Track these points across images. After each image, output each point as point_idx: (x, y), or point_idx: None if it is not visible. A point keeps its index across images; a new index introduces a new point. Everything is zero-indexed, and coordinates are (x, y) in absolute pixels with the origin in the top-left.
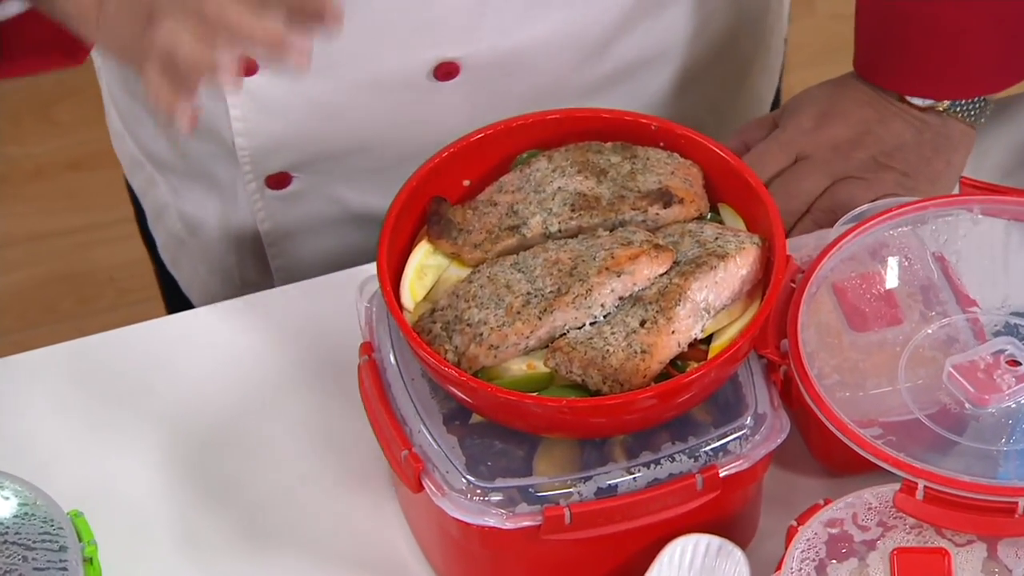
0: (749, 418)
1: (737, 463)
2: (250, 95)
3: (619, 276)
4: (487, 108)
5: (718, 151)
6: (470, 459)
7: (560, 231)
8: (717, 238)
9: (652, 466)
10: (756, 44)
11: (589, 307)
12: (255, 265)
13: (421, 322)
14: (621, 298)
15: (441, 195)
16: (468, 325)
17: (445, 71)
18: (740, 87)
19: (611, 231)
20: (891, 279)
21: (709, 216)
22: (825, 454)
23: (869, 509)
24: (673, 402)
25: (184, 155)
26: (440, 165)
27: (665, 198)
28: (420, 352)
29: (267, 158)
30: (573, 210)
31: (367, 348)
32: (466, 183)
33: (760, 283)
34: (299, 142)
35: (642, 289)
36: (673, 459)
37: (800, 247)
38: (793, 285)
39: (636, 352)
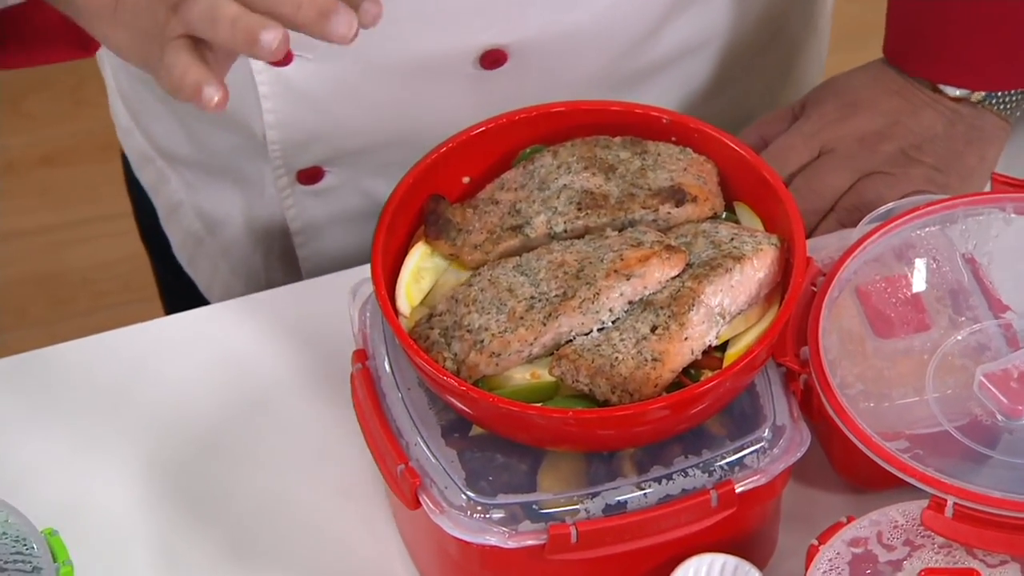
0: (767, 430)
1: (754, 478)
2: (284, 85)
3: (628, 279)
4: (532, 98)
5: (734, 146)
6: (470, 474)
7: (565, 231)
8: (733, 239)
9: (664, 481)
10: (805, 26)
11: (597, 312)
12: (281, 262)
13: (418, 328)
14: (631, 302)
15: (439, 193)
16: (468, 331)
17: (492, 59)
18: (789, 73)
19: (620, 231)
20: (918, 282)
21: (724, 215)
22: (848, 468)
23: (895, 527)
24: (686, 413)
25: (206, 150)
26: (438, 161)
27: (677, 196)
28: (417, 360)
29: (300, 152)
30: (579, 209)
31: (360, 356)
32: (466, 180)
33: (779, 287)
34: (334, 135)
35: (653, 293)
36: (686, 474)
37: (821, 248)
38: (814, 288)
39: (647, 360)
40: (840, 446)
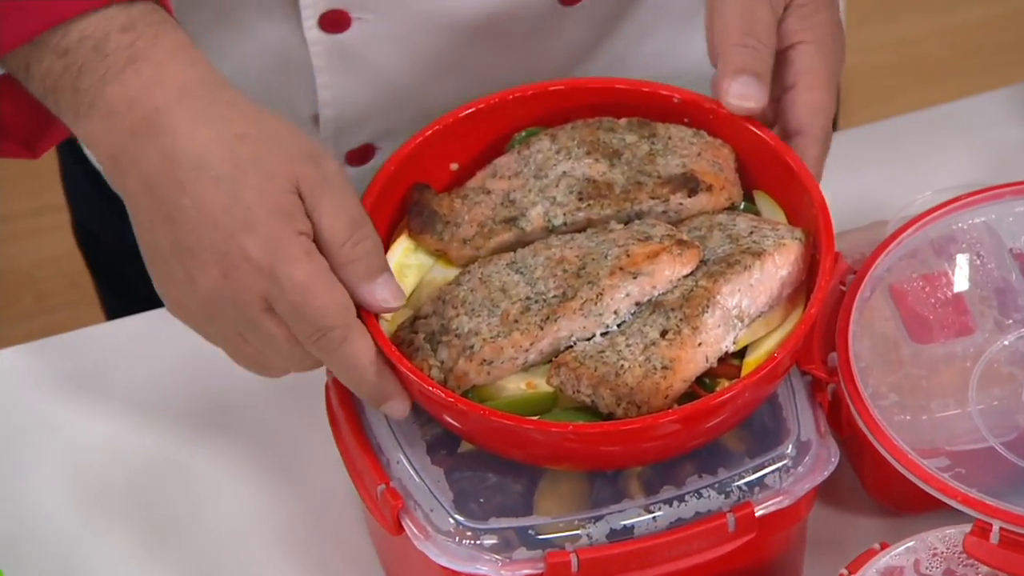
0: (790, 446)
1: (776, 500)
2: (341, 54)
3: (635, 278)
4: (607, 41)
5: (753, 129)
6: (459, 495)
7: (565, 224)
8: (752, 232)
9: (675, 503)
10: None
11: (600, 314)
12: None
13: (400, 332)
14: (638, 303)
15: (424, 182)
16: (456, 336)
17: None
18: None
19: (626, 224)
20: (960, 280)
21: (743, 206)
22: (881, 489)
23: (934, 555)
24: (699, 428)
25: None
26: (423, 146)
27: (690, 185)
28: (399, 368)
29: (354, 129)
30: (581, 199)
31: None
32: (454, 167)
33: (803, 285)
34: (393, 105)
35: (663, 293)
36: (700, 495)
37: (851, 243)
38: (843, 288)
39: (656, 368)
40: (872, 464)
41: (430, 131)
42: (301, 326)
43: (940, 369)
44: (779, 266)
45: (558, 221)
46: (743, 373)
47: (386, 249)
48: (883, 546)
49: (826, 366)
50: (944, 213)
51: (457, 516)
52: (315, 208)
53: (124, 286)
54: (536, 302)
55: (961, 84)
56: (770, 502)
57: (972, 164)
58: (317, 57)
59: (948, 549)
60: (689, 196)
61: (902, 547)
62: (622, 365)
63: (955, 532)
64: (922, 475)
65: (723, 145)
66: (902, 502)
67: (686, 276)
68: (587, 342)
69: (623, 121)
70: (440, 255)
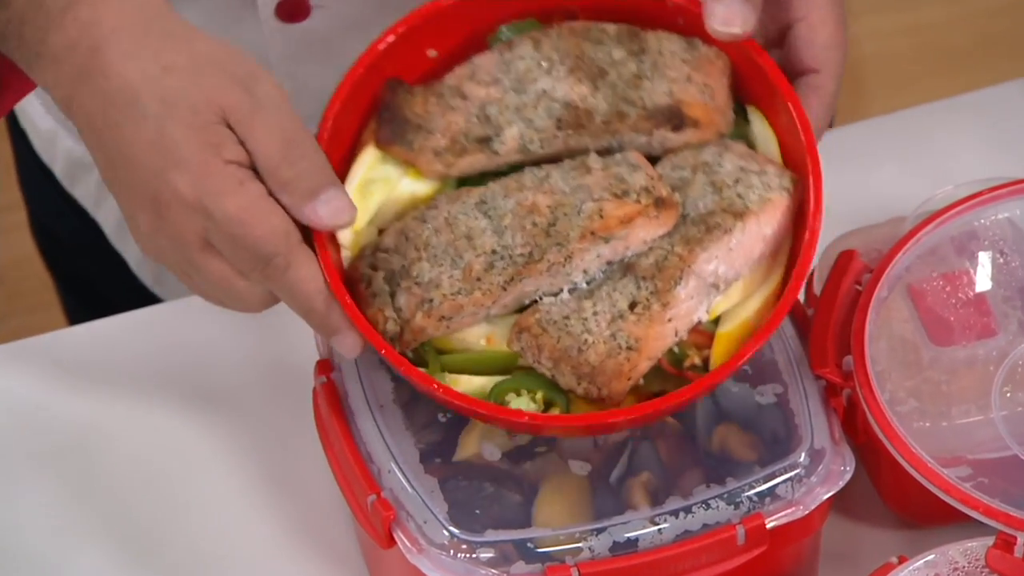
0: (803, 455)
1: (788, 511)
2: (300, 44)
3: (608, 242)
4: None
5: (751, 54)
6: (454, 506)
7: (542, 149)
8: (738, 181)
9: (682, 515)
10: None
11: (568, 274)
12: None
13: (359, 264)
14: (610, 262)
15: (398, 77)
16: (416, 284)
17: None
18: None
19: (605, 154)
20: (982, 280)
21: (732, 133)
22: (899, 500)
23: (955, 569)
24: (653, 420)
25: None
26: (399, 43)
27: (675, 120)
28: (351, 313)
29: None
30: (559, 127)
31: (324, 367)
32: (432, 54)
33: (788, 238)
34: None
35: (636, 255)
36: (708, 506)
37: (868, 240)
38: (859, 288)
39: (620, 347)
40: (890, 473)
41: (404, 27)
42: (242, 259)
43: (961, 373)
44: (763, 225)
45: (534, 147)
46: (715, 345)
47: (353, 157)
48: (901, 560)
49: (841, 370)
50: (965, 209)
51: (452, 528)
52: (247, 135)
53: (84, 287)
54: (502, 258)
55: (982, 72)
56: (782, 513)
57: (995, 157)
58: (275, 47)
59: (970, 563)
60: (674, 131)
61: (921, 561)
62: (586, 340)
63: (977, 545)
64: (942, 485)
65: (718, 56)
66: (921, 513)
67: (663, 236)
68: (553, 298)
69: (612, 30)
70: (409, 166)
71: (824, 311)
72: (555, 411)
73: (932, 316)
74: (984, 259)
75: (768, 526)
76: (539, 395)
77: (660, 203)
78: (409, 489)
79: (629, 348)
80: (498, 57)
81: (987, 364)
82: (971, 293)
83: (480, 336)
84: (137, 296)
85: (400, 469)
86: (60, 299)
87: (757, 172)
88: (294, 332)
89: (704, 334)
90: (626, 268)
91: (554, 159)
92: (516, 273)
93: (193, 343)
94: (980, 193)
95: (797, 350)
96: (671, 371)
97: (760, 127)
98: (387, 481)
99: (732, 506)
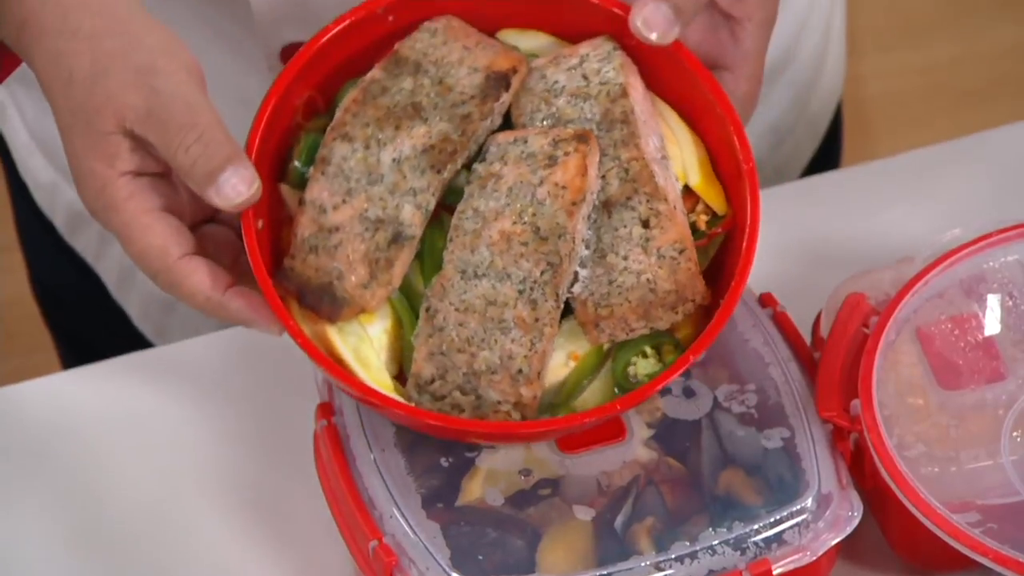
0: (810, 500)
1: (795, 557)
2: None
3: (585, 200)
4: None
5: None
6: (456, 552)
7: (446, 199)
8: (584, 77)
9: (687, 561)
10: (824, 35)
11: (579, 253)
12: None
13: (423, 401)
14: (589, 217)
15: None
16: (494, 373)
17: None
18: (814, 85)
19: (478, 154)
20: (991, 323)
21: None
22: (908, 545)
23: None
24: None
25: None
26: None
27: (499, 83)
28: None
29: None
30: (436, 171)
31: (325, 410)
32: (259, 225)
33: (674, 91)
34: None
35: (598, 193)
36: (714, 551)
37: (875, 283)
38: (866, 331)
39: (676, 258)
40: (898, 519)
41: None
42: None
43: (970, 417)
44: (637, 85)
45: (432, 205)
46: (705, 198)
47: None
48: None
49: (848, 414)
50: (974, 251)
51: (455, 574)
52: (146, 133)
53: (84, 345)
54: (532, 290)
55: (991, 112)
56: (789, 559)
57: (1003, 198)
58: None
59: None
60: (507, 90)
61: None
62: (647, 279)
63: None
64: (951, 531)
65: (450, 18)
66: (930, 560)
67: (601, 159)
68: (579, 281)
69: (377, 70)
70: (361, 316)
71: (831, 354)
72: (671, 357)
73: (940, 360)
74: (993, 302)
75: (775, 572)
76: (664, 346)
77: (579, 138)
78: (411, 535)
79: (680, 252)
80: (325, 178)
81: (996, 408)
82: (980, 336)
83: (561, 363)
84: (137, 350)
85: (402, 514)
86: (58, 354)
87: (583, 58)
88: (295, 375)
89: (691, 199)
90: (606, 207)
91: (453, 195)
92: (555, 289)
93: (191, 386)
94: (989, 235)
95: (804, 394)
96: (706, 242)
97: (680, 132)
98: (389, 526)
99: (738, 552)
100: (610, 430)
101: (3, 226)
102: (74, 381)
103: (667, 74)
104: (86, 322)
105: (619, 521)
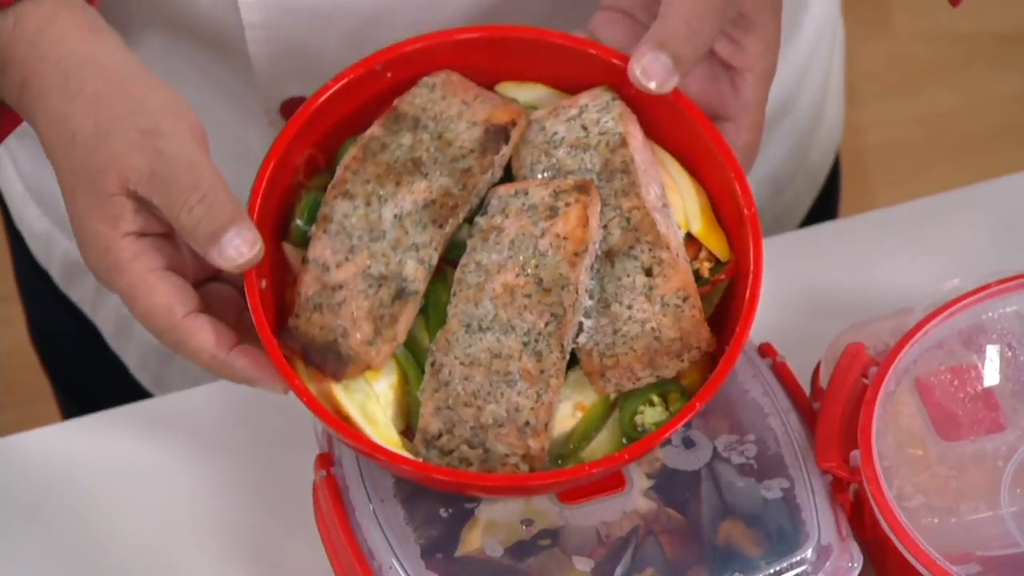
0: (810, 551)
1: None
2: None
3: (587, 250)
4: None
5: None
6: None
7: (448, 253)
8: (584, 128)
9: None
10: (822, 86)
11: (583, 304)
12: None
13: (432, 456)
14: (592, 268)
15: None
16: (500, 426)
17: None
18: (813, 133)
19: (481, 208)
20: (991, 374)
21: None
22: None
23: None
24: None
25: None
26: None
27: (498, 136)
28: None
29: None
30: (438, 225)
31: (324, 461)
32: (263, 285)
33: (667, 133)
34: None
35: (600, 243)
36: None
37: (874, 333)
38: (865, 381)
39: (680, 305)
40: (898, 570)
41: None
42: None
43: (970, 468)
44: (636, 133)
45: (435, 260)
46: (707, 245)
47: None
48: None
49: (848, 465)
50: (973, 302)
51: None
52: (149, 195)
53: (82, 393)
54: (537, 342)
55: (991, 161)
56: None
57: (1003, 249)
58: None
59: None
60: (507, 143)
61: None
62: (651, 328)
63: None
64: None
65: (450, 74)
66: None
67: (602, 209)
68: (584, 332)
69: (377, 127)
70: (367, 372)
71: (830, 405)
72: (677, 404)
73: (940, 410)
74: (992, 353)
75: None
76: (671, 394)
77: (579, 188)
78: None
79: (684, 300)
80: (328, 235)
81: (996, 459)
82: (979, 387)
83: (568, 414)
84: (135, 399)
85: (401, 565)
86: (58, 403)
87: (582, 108)
88: (294, 425)
89: (694, 247)
90: (608, 257)
91: (456, 249)
92: (560, 340)
93: (190, 437)
94: (988, 286)
95: (803, 444)
96: (710, 289)
97: (681, 179)
98: None
99: None
100: (610, 481)
101: (2, 276)
102: (73, 432)
103: (667, 122)
104: (85, 371)
105: (619, 572)
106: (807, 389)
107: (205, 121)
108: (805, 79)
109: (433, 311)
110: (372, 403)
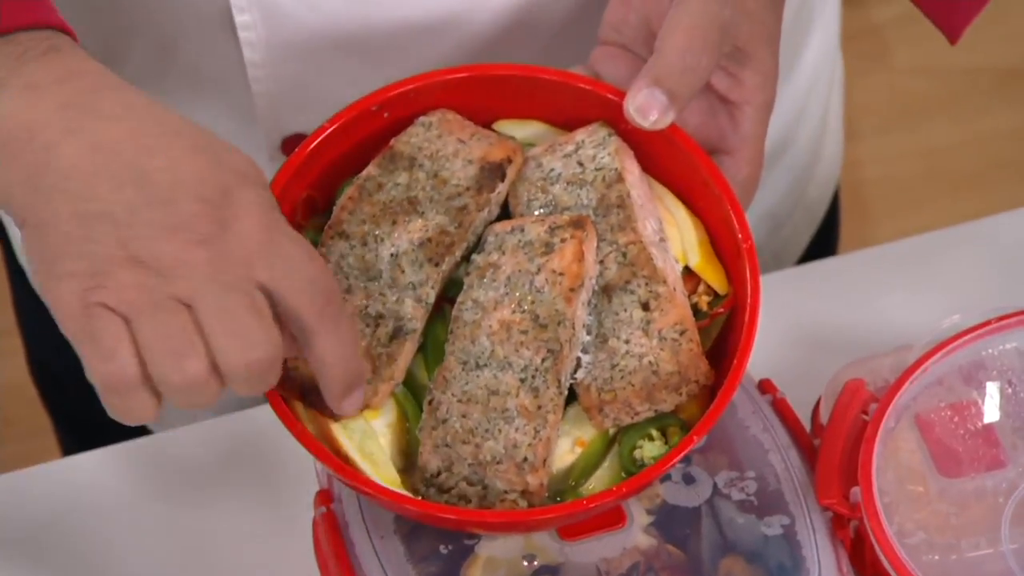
0: None
1: None
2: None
3: (584, 286)
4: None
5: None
6: None
7: (446, 291)
8: (580, 164)
9: None
10: (821, 120)
11: (580, 340)
12: None
13: (431, 494)
14: (589, 303)
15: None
16: (498, 463)
17: None
18: (812, 168)
19: (477, 246)
20: (990, 411)
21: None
22: None
23: None
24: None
25: None
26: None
27: (494, 173)
28: (439, 513)
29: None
30: (434, 264)
31: (324, 497)
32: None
33: (666, 170)
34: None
35: (597, 279)
36: None
37: (874, 370)
38: (865, 418)
39: (677, 339)
40: None
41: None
42: (305, 291)
43: (970, 505)
44: (632, 168)
45: (432, 298)
46: (705, 278)
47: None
48: None
49: (848, 502)
50: (973, 338)
51: None
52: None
53: (84, 427)
54: (535, 379)
55: (990, 196)
56: None
57: (1002, 285)
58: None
59: None
60: (503, 180)
61: None
62: (649, 361)
63: None
64: None
65: (446, 113)
66: None
67: (599, 245)
68: (582, 368)
69: (372, 167)
70: (365, 411)
71: (831, 441)
72: (676, 438)
73: (940, 447)
74: (992, 389)
75: None
76: (670, 428)
77: (575, 224)
78: None
79: (681, 334)
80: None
81: (996, 496)
82: (979, 424)
83: (567, 449)
84: (137, 434)
85: None
86: (57, 438)
87: (578, 144)
88: (293, 461)
89: (692, 280)
90: (605, 292)
91: (454, 287)
92: (557, 376)
93: (190, 472)
94: (988, 322)
95: (803, 481)
96: (709, 323)
97: (679, 213)
98: None
99: None
100: (610, 517)
101: (2, 310)
102: (72, 468)
103: (663, 156)
104: (85, 405)
105: None
106: (807, 425)
107: None
108: (803, 116)
109: (432, 349)
110: (371, 442)
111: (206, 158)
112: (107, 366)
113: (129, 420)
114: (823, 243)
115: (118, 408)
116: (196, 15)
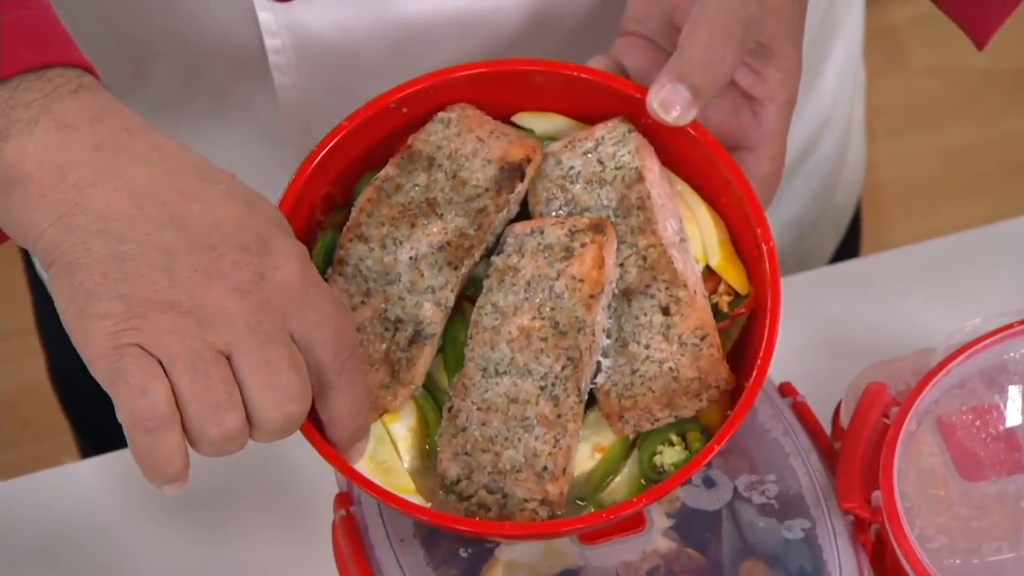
0: None
1: None
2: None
3: (603, 292)
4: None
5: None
6: None
7: (467, 292)
8: (600, 162)
9: None
10: (845, 126)
11: (600, 345)
12: None
13: (449, 504)
14: (609, 306)
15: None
16: (518, 471)
17: None
18: (838, 174)
19: (496, 247)
20: (1013, 414)
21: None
22: None
23: None
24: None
25: None
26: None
27: (513, 173)
28: (454, 525)
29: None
30: (454, 267)
31: (343, 500)
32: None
33: (691, 167)
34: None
35: (617, 282)
36: None
37: (896, 373)
38: (887, 421)
39: (698, 344)
40: None
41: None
42: (332, 344)
43: (992, 509)
44: (653, 166)
45: (451, 302)
46: (725, 278)
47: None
48: None
49: (869, 505)
50: (995, 341)
51: None
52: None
53: (103, 436)
54: (554, 386)
55: (1008, 197)
56: None
57: None
58: (271, 38)
59: None
60: (522, 180)
61: None
62: (670, 367)
63: None
64: None
65: (467, 107)
66: None
67: (619, 247)
68: (602, 372)
69: (391, 167)
70: (384, 415)
71: (852, 445)
72: (696, 443)
73: (962, 450)
74: (1014, 393)
75: None
76: (690, 433)
77: (595, 228)
78: None
79: (702, 339)
80: (343, 279)
81: (1018, 500)
82: (1001, 427)
83: (587, 455)
84: None
85: None
86: (76, 442)
87: (598, 141)
88: (313, 465)
89: (713, 280)
90: (625, 295)
91: (474, 285)
92: (577, 384)
93: (208, 475)
94: (1010, 325)
95: (824, 484)
96: (730, 323)
97: (700, 211)
98: None
99: None
100: (630, 520)
101: (21, 310)
102: (90, 471)
103: (685, 152)
104: (103, 409)
105: None
106: (828, 429)
107: (234, 162)
108: (829, 123)
109: (451, 351)
110: (385, 448)
111: (242, 205)
112: (138, 401)
113: (153, 470)
114: (848, 250)
115: (145, 449)
116: (224, 40)
